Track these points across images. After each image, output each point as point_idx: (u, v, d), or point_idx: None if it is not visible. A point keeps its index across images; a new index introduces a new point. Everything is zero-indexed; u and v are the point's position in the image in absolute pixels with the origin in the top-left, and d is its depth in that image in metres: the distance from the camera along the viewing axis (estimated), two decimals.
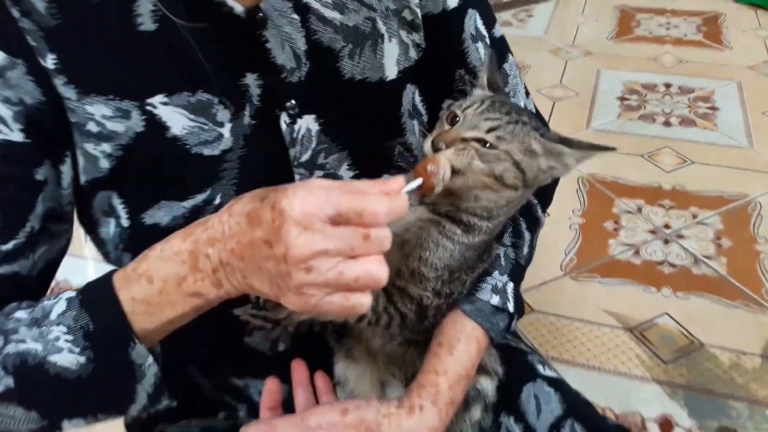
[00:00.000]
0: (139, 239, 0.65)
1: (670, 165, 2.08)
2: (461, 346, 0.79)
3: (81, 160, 0.69)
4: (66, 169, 0.70)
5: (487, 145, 0.68)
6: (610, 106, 2.40)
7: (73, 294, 0.64)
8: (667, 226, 1.84)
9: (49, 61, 0.65)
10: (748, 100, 2.38)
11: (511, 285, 0.85)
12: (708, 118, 2.30)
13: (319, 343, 0.87)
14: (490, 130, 0.69)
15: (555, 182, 0.97)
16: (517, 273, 0.87)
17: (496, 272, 0.84)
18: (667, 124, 2.28)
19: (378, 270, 0.56)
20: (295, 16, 0.72)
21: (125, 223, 0.71)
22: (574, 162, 0.72)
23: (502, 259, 0.85)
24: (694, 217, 1.87)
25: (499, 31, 0.88)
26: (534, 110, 0.91)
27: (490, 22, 0.86)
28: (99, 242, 0.76)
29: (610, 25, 2.99)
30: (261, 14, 0.70)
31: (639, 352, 1.51)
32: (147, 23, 0.67)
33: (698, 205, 1.91)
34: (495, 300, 0.82)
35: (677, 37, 2.86)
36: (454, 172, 0.68)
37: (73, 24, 0.65)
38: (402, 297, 0.75)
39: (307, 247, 0.53)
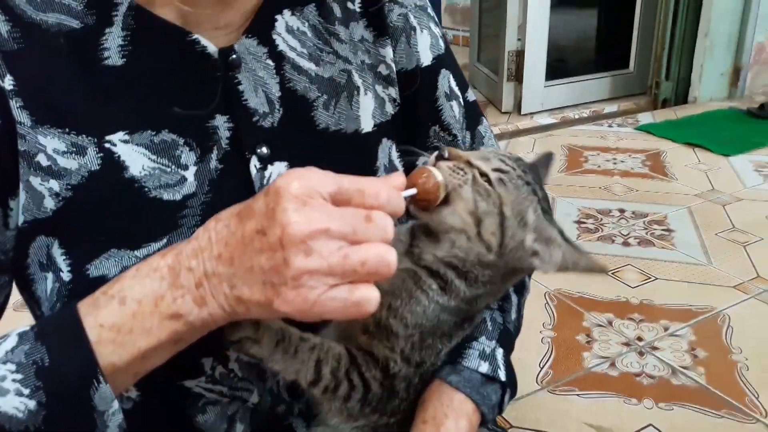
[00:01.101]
0: (81, 295, 0.55)
1: (634, 281, 2.07)
2: (450, 423, 0.69)
3: (23, 196, 0.61)
4: (16, 205, 0.61)
5: (486, 180, 0.64)
6: (568, 228, 2.42)
7: (26, 328, 0.53)
8: (639, 339, 1.79)
9: (7, 82, 0.59)
10: (701, 223, 2.45)
11: (501, 351, 0.77)
12: (665, 239, 2.34)
13: (283, 428, 0.76)
14: (496, 170, 0.64)
15: None
16: (505, 340, 0.79)
17: (483, 337, 0.76)
18: (626, 244, 2.31)
19: (387, 253, 0.50)
20: (270, 62, 0.70)
21: (66, 276, 0.62)
22: (559, 258, 0.65)
23: (489, 323, 0.78)
24: (666, 329, 1.83)
25: (472, 96, 0.88)
26: None
27: (463, 86, 0.86)
28: (33, 302, 0.66)
29: (560, 161, 3.12)
30: (235, 56, 0.68)
31: None
32: (114, 57, 0.63)
33: (668, 318, 1.88)
34: (484, 367, 0.73)
35: (624, 170, 2.99)
36: (444, 201, 0.63)
37: (35, 51, 0.61)
38: (366, 360, 0.66)
39: (306, 224, 0.48)
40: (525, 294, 0.86)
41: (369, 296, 0.50)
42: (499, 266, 0.66)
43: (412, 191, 0.60)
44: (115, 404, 0.52)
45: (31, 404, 0.49)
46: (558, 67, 4.05)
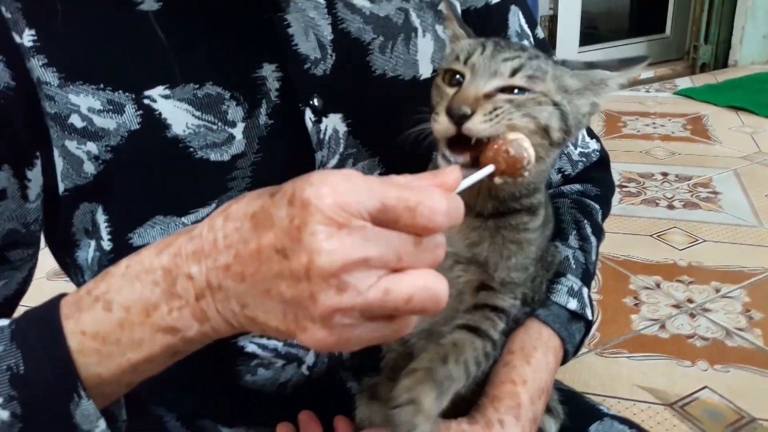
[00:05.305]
0: None
1: (681, 243, 1.99)
2: (539, 355, 0.64)
3: (60, 163, 0.55)
4: (34, 175, 0.55)
5: (516, 91, 0.54)
6: None
7: (5, 323, 0.46)
8: (690, 301, 1.72)
9: (26, 38, 0.53)
10: (748, 185, 2.35)
11: (585, 290, 0.72)
12: (712, 201, 2.25)
13: (335, 381, 0.71)
14: (514, 72, 0.54)
15: (613, 189, 0.87)
16: (587, 279, 0.74)
17: (569, 274, 0.71)
18: (671, 207, 2.23)
19: (436, 284, 0.40)
20: (321, 1, 0.63)
21: (107, 245, 0.57)
22: (616, 89, 0.58)
23: (572, 261, 0.72)
24: (717, 291, 1.75)
25: (541, 32, 0.81)
26: None
27: (532, 22, 0.80)
28: (74, 269, 0.61)
29: (598, 126, 3.02)
30: None
31: (685, 429, 1.33)
32: (149, 2, 0.57)
33: (719, 279, 1.80)
34: (573, 304, 0.68)
35: (665, 134, 2.89)
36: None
37: None
38: (488, 318, 0.61)
39: (341, 254, 0.37)
40: (602, 238, 0.80)
41: (410, 323, 0.41)
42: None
43: (488, 170, 0.50)
44: (102, 424, 0.45)
45: (5, 415, 0.43)
46: (592, 33, 3.93)
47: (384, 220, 0.39)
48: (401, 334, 0.41)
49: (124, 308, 0.44)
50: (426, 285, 0.39)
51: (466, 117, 0.51)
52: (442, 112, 0.52)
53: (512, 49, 0.56)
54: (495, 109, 0.52)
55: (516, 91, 0.54)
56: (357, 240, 0.38)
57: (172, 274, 0.43)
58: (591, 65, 0.58)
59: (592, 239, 0.76)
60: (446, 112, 0.52)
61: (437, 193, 0.40)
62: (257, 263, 0.40)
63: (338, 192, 0.38)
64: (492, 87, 0.53)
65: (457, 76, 0.55)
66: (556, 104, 0.55)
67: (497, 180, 0.51)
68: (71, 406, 0.44)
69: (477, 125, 0.51)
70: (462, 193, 0.58)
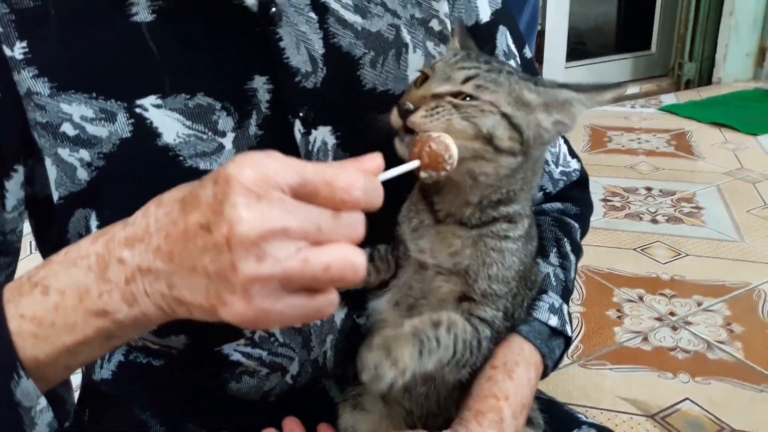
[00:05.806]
0: None
1: (664, 257, 2.02)
2: (521, 370, 0.65)
3: (54, 171, 0.57)
4: (13, 186, 0.57)
5: (466, 98, 0.57)
6: (595, 207, 2.37)
7: None
8: (672, 314, 1.74)
9: (17, 51, 0.55)
10: (730, 201, 2.39)
11: (565, 307, 0.74)
12: (695, 216, 2.28)
13: (319, 389, 0.72)
14: (466, 80, 0.58)
15: (591, 209, 0.89)
16: (567, 296, 0.76)
17: (551, 291, 0.72)
18: (654, 221, 2.26)
19: (354, 255, 0.41)
20: (313, 15, 0.64)
21: None
22: (582, 110, 0.60)
23: (553, 278, 0.74)
24: (699, 304, 1.78)
25: (528, 52, 0.83)
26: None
27: (519, 42, 0.81)
28: None
29: (583, 141, 3.06)
30: (275, 8, 0.61)
31: None
32: (142, 13, 0.58)
33: (701, 293, 1.83)
34: (554, 321, 0.70)
35: (650, 149, 2.93)
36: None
37: (54, 6, 0.56)
38: (477, 322, 0.63)
39: (259, 223, 0.39)
40: (580, 256, 0.82)
41: (332, 301, 0.42)
42: (529, 161, 0.62)
43: (413, 165, 0.53)
44: (42, 401, 0.48)
45: None
46: (579, 49, 3.98)
47: (304, 194, 0.41)
48: (324, 313, 0.43)
49: (59, 292, 0.46)
50: (345, 255, 0.41)
51: (409, 111, 0.56)
52: (394, 108, 0.58)
53: (477, 60, 0.60)
54: (437, 107, 0.56)
55: (467, 98, 0.57)
56: (276, 210, 0.39)
57: (105, 259, 0.45)
58: (563, 86, 0.61)
59: (572, 257, 0.78)
60: (396, 107, 0.57)
61: (354, 170, 0.42)
62: (184, 241, 0.42)
63: (258, 166, 0.40)
64: (442, 90, 0.58)
65: (427, 79, 0.60)
66: (504, 115, 0.58)
67: (422, 175, 0.55)
68: (11, 385, 0.46)
69: (417, 119, 0.56)
70: (443, 202, 0.60)
